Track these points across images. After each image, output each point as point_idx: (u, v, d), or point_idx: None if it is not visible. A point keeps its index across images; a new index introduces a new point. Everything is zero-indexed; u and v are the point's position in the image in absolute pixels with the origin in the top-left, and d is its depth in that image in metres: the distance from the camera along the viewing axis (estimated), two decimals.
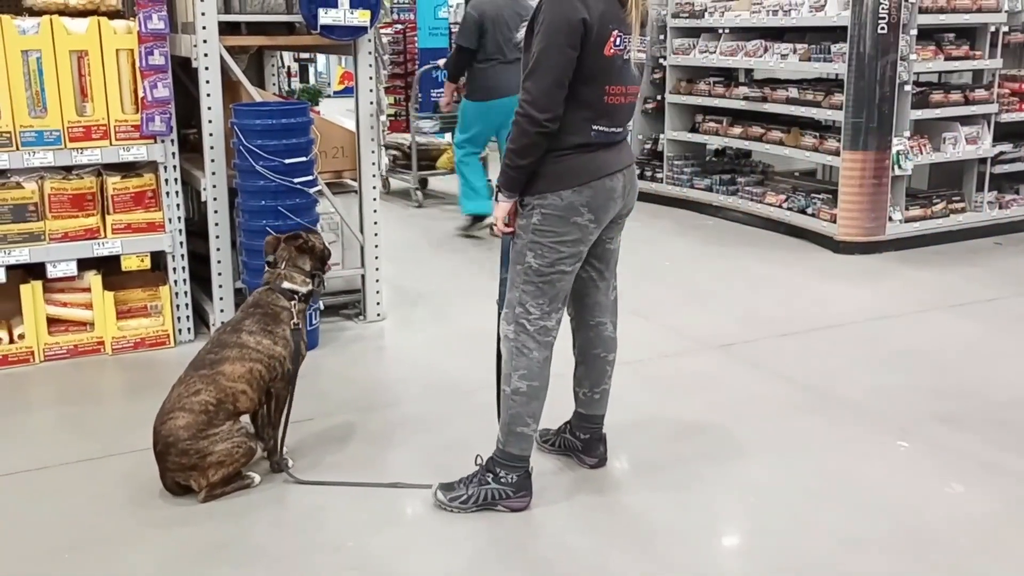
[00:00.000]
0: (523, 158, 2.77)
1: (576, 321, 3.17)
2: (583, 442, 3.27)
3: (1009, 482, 3.15)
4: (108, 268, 4.38)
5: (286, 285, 3.25)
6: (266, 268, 3.35)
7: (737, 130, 7.24)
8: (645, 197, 7.92)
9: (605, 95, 2.79)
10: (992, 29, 6.36)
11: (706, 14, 7.32)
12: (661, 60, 7.81)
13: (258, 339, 3.12)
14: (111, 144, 4.22)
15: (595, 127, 2.80)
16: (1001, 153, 6.62)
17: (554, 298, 2.91)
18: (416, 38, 9.56)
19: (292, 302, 3.22)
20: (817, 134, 6.58)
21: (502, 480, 2.94)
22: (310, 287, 3.32)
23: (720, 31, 7.25)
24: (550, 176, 2.80)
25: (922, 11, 6.02)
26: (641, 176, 8.03)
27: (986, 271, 5.81)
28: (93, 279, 4.32)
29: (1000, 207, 6.72)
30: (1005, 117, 6.55)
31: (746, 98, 7.04)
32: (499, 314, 3.01)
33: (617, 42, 2.76)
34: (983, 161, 6.57)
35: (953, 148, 6.42)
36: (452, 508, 2.95)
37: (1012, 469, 3.24)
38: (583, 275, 3.04)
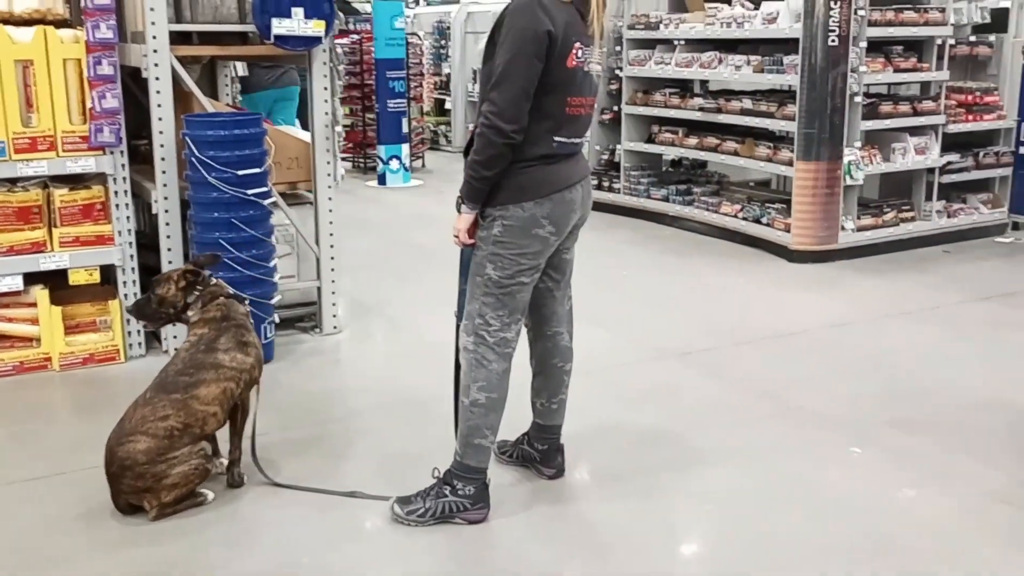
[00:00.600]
0: (489, 169, 2.74)
1: (533, 332, 3.15)
2: (541, 453, 3.25)
3: (963, 485, 3.19)
4: (56, 282, 4.27)
5: (231, 290, 3.21)
6: (197, 290, 3.21)
7: (693, 140, 7.31)
8: (602, 207, 7.96)
9: (567, 106, 2.80)
10: (939, 42, 6.50)
11: (661, 26, 7.39)
12: (617, 71, 7.86)
13: (233, 355, 3.07)
14: (58, 156, 4.13)
15: (557, 138, 2.81)
16: (949, 163, 6.76)
17: (514, 309, 2.89)
18: (373, 48, 9.52)
19: (245, 301, 3.19)
20: (771, 144, 6.66)
21: (459, 492, 2.92)
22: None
23: (675, 43, 7.32)
24: (513, 188, 2.78)
25: (871, 24, 6.13)
26: (598, 187, 8.07)
27: (936, 278, 5.92)
28: (39, 293, 4.21)
29: (948, 216, 6.86)
30: (952, 128, 6.69)
31: (701, 109, 7.11)
32: (457, 325, 2.98)
33: (579, 54, 2.78)
34: (931, 171, 6.70)
35: (902, 158, 6.54)
36: (409, 522, 2.91)
37: (966, 472, 3.28)
38: (540, 285, 3.02)
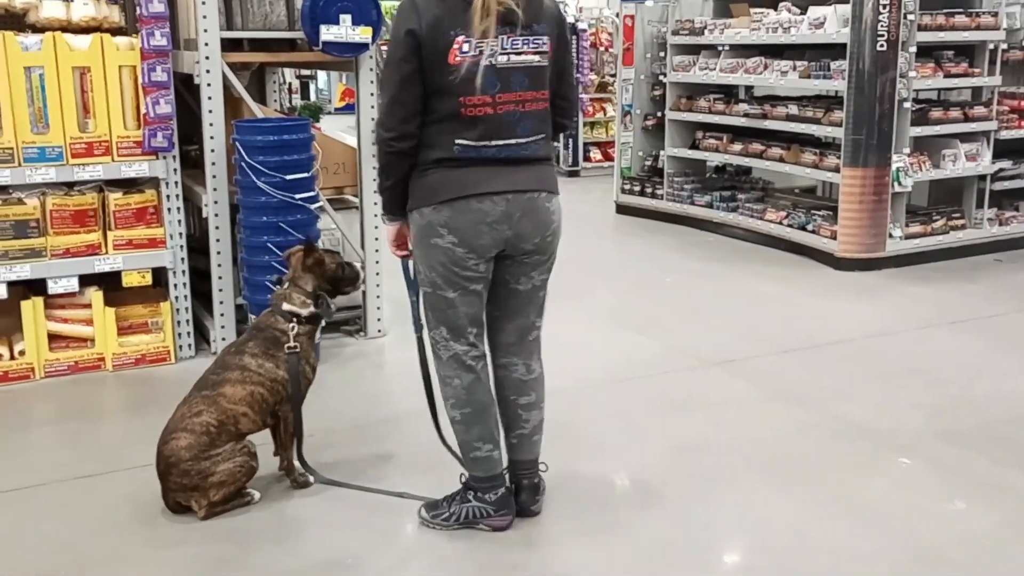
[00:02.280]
0: (386, 179, 2.71)
1: (490, 356, 2.93)
2: (515, 485, 2.97)
3: (1011, 499, 3.14)
4: (109, 284, 4.38)
5: (285, 307, 3.17)
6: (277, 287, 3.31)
7: (737, 147, 7.26)
8: (645, 214, 7.96)
9: (462, 107, 2.58)
10: (991, 47, 6.39)
11: (706, 31, 7.35)
12: (661, 77, 7.84)
13: (260, 362, 3.09)
14: (113, 160, 4.23)
15: (459, 141, 2.60)
16: (1001, 170, 6.64)
17: (451, 326, 2.75)
18: None
19: (291, 324, 3.14)
20: (817, 151, 6.60)
21: (482, 499, 2.87)
22: (311, 309, 3.20)
23: (720, 48, 7.28)
24: (414, 193, 2.69)
25: (921, 28, 6.05)
26: (641, 192, 8.05)
27: (986, 288, 5.81)
28: (94, 295, 4.32)
29: (1000, 224, 6.73)
30: (1004, 134, 6.57)
31: (746, 115, 7.06)
32: (417, 337, 3.01)
33: (464, 48, 2.55)
34: (983, 178, 6.59)
35: (953, 165, 6.43)
36: (435, 525, 2.91)
37: (1014, 486, 3.23)
38: (488, 310, 2.84)
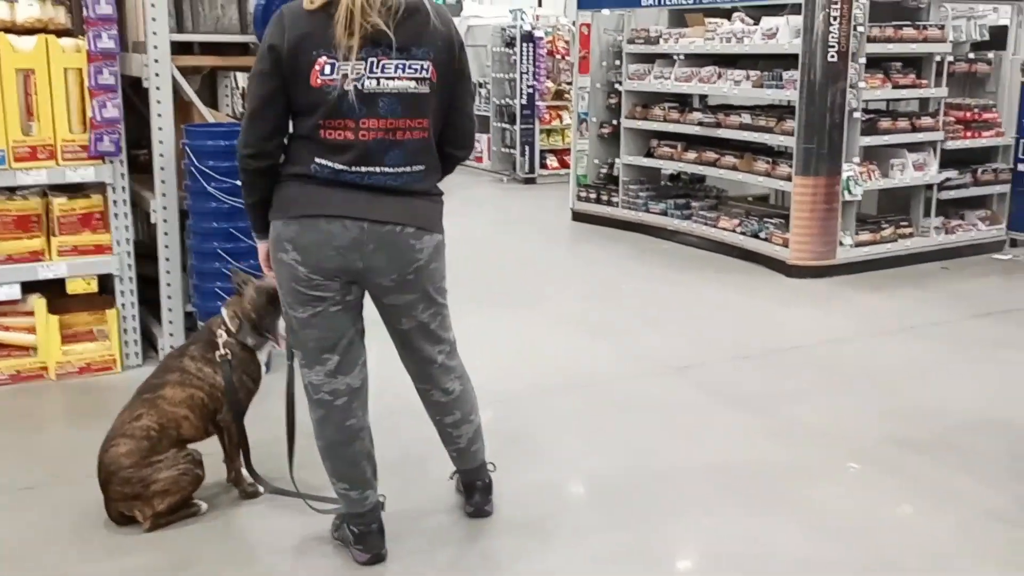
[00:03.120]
0: (247, 195, 2.61)
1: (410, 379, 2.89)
2: (464, 486, 3.05)
3: (962, 505, 3.18)
4: (53, 291, 4.27)
5: (224, 313, 3.11)
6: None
7: (691, 155, 7.31)
8: (601, 221, 7.98)
9: (321, 129, 2.45)
10: (938, 59, 6.52)
11: (661, 40, 7.41)
12: (617, 85, 7.88)
13: (199, 365, 3.04)
14: (58, 164, 4.13)
15: (318, 161, 2.48)
16: (947, 179, 6.77)
17: (305, 350, 2.62)
18: None
19: (220, 329, 3.07)
20: (769, 159, 6.68)
21: (349, 528, 2.79)
22: (237, 326, 3.09)
23: (675, 57, 7.34)
24: (272, 204, 2.58)
25: (871, 40, 6.15)
26: (597, 200, 8.08)
27: (935, 294, 5.92)
28: (37, 302, 4.21)
29: (946, 232, 6.87)
30: (950, 144, 6.71)
31: (700, 123, 7.13)
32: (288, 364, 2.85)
33: (326, 70, 2.40)
34: (930, 187, 6.71)
35: (901, 174, 6.55)
36: (333, 536, 2.87)
37: (965, 492, 3.27)
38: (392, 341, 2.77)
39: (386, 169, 2.51)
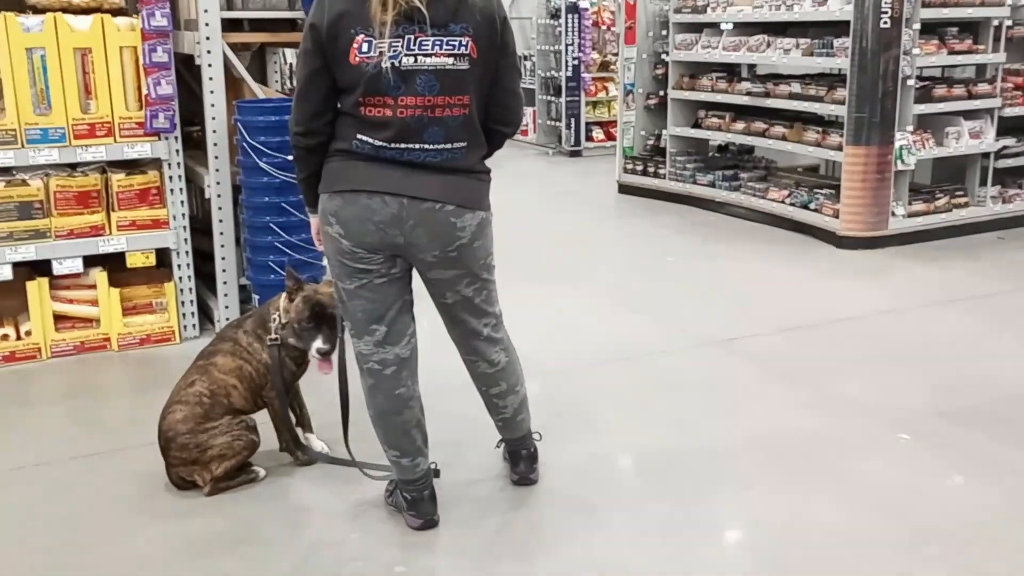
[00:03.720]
0: (299, 171, 2.66)
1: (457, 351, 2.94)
2: (510, 455, 3.13)
3: (1010, 476, 3.16)
4: (113, 265, 4.40)
5: (282, 302, 3.14)
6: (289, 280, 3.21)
7: (740, 125, 7.24)
8: (648, 193, 7.95)
9: (361, 106, 2.48)
10: (995, 23, 6.36)
11: (708, 9, 7.32)
12: (663, 56, 7.81)
13: (249, 340, 3.13)
14: (115, 141, 4.24)
15: (359, 137, 2.52)
16: (1004, 148, 6.62)
17: (354, 321, 2.68)
18: None
19: (276, 314, 3.12)
20: (820, 129, 6.58)
21: (401, 494, 2.88)
22: (280, 322, 3.10)
23: (722, 26, 7.25)
24: (322, 178, 2.63)
25: (925, 5, 6.01)
26: (644, 172, 8.04)
27: (989, 266, 5.82)
28: (99, 276, 4.35)
29: (1003, 201, 6.72)
30: (1008, 111, 6.55)
31: (749, 93, 7.04)
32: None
33: (364, 48, 2.42)
34: (986, 156, 6.57)
35: (956, 143, 6.42)
36: (387, 502, 2.96)
37: (1013, 463, 3.25)
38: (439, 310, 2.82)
39: (425, 146, 2.51)
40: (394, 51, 2.43)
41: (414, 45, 2.44)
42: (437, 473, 3.00)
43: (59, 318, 4.33)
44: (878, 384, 3.96)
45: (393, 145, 2.51)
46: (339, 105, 2.57)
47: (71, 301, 4.37)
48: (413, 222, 2.55)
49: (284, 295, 3.15)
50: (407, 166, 2.53)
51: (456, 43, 2.47)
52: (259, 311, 3.23)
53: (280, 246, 4.19)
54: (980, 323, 4.76)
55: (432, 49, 2.45)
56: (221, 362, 3.10)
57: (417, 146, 2.52)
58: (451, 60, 2.47)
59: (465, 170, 2.61)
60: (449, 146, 2.55)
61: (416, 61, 2.45)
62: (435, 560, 2.75)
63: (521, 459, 3.08)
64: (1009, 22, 6.46)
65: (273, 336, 3.10)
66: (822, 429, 3.54)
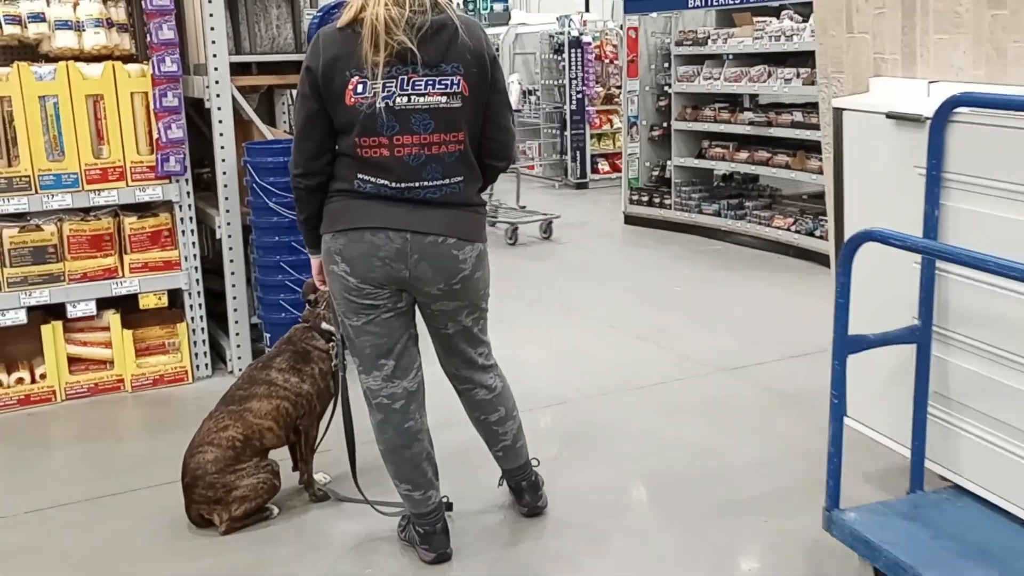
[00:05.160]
0: (299, 212, 2.71)
1: (452, 384, 2.98)
2: (513, 490, 3.13)
3: None
4: (126, 307, 4.45)
5: (325, 326, 3.20)
6: (307, 306, 3.30)
7: (743, 155, 7.30)
8: (654, 223, 8.00)
9: (357, 147, 2.54)
10: None
11: (709, 41, 7.41)
12: (666, 88, 7.90)
13: (286, 376, 3.14)
14: (127, 185, 4.31)
15: (360, 175, 2.57)
16: None
17: (362, 357, 2.73)
18: None
19: (331, 343, 3.16)
20: (822, 157, 6.61)
21: (414, 528, 2.88)
22: (322, 323, 3.22)
23: (724, 57, 7.33)
24: (323, 219, 2.68)
25: None
26: (649, 202, 8.10)
27: None
28: (112, 318, 4.40)
29: None
30: None
31: (751, 123, 7.11)
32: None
33: (359, 89, 2.48)
34: None
35: None
36: (400, 537, 2.96)
37: None
38: (433, 344, 2.87)
39: (425, 183, 2.58)
40: (388, 91, 2.49)
41: (407, 85, 2.50)
42: (450, 506, 3.02)
43: (73, 360, 4.38)
44: None
45: (394, 184, 2.57)
46: (337, 147, 2.62)
47: (85, 344, 4.42)
48: (417, 256, 2.60)
49: (315, 313, 3.21)
50: (408, 203, 2.59)
51: (448, 82, 2.54)
52: (288, 347, 3.21)
53: (291, 284, 4.23)
54: None
55: (425, 89, 2.51)
56: (257, 407, 3.09)
57: (417, 184, 2.58)
58: (444, 99, 2.54)
59: (463, 204, 2.67)
60: (447, 181, 2.61)
61: (410, 101, 2.51)
62: None
63: (525, 491, 3.09)
64: None
65: (336, 362, 3.10)
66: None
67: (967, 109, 2.41)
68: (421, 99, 2.51)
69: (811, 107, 6.82)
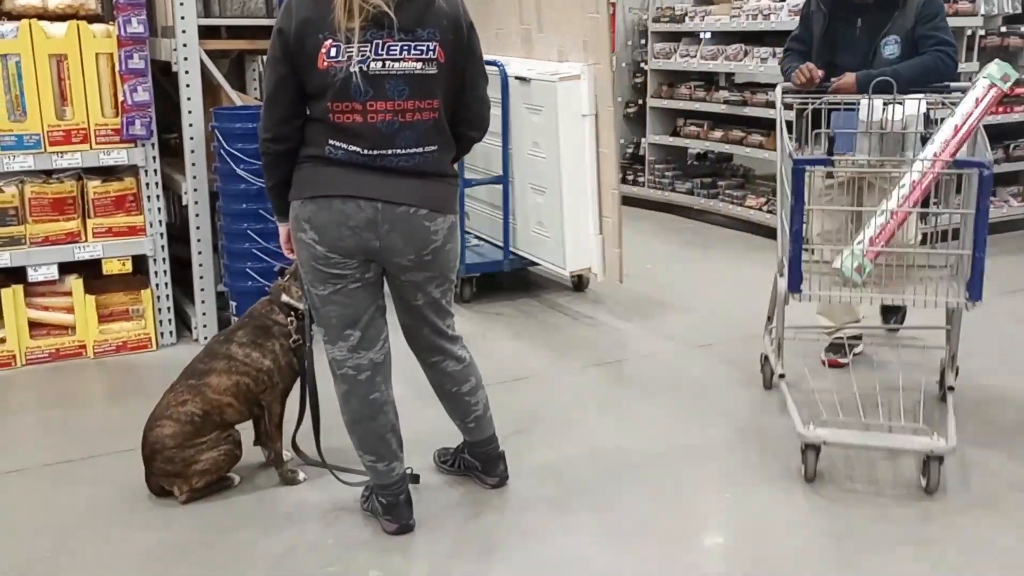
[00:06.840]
0: (268, 178, 2.66)
1: (417, 359, 2.94)
2: (481, 463, 3.10)
3: (984, 475, 3.19)
4: (89, 272, 4.38)
5: (284, 299, 3.11)
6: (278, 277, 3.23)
7: (718, 134, 7.29)
8: (627, 201, 7.95)
9: (330, 112, 2.48)
10: (969, 32, 6.44)
11: (686, 18, 7.38)
12: (642, 64, 7.86)
13: (247, 351, 3.06)
14: (91, 148, 4.22)
15: (331, 142, 2.52)
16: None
17: (328, 327, 2.68)
18: None
19: (290, 318, 3.09)
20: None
21: (376, 499, 2.86)
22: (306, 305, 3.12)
23: (701, 35, 7.30)
24: (292, 185, 2.62)
25: None
26: (623, 180, 8.07)
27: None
28: (74, 283, 4.32)
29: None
30: (985, 121, 6.61)
31: (727, 102, 7.10)
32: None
33: (332, 52, 2.43)
34: None
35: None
36: (362, 507, 2.94)
37: (986, 463, 3.28)
38: (399, 319, 2.83)
39: (398, 151, 2.54)
40: (362, 56, 2.44)
41: (382, 50, 2.46)
42: (416, 479, 3.01)
43: (34, 325, 4.30)
44: (850, 385, 3.98)
45: (366, 151, 2.52)
46: (308, 111, 2.57)
47: (46, 308, 4.34)
48: (388, 226, 2.56)
49: (278, 285, 3.13)
50: (381, 171, 2.55)
51: (424, 48, 2.50)
52: (250, 321, 3.13)
53: (258, 252, 4.18)
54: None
55: (400, 54, 2.47)
56: (216, 382, 3.02)
57: (390, 151, 2.54)
58: (419, 65, 2.50)
59: (436, 174, 2.63)
60: (421, 150, 2.58)
61: (384, 66, 2.47)
62: (410, 564, 2.75)
63: (497, 459, 3.09)
64: (982, 32, 6.55)
65: (296, 338, 3.05)
66: (792, 426, 3.56)
67: None
68: (396, 64, 2.47)
69: None
